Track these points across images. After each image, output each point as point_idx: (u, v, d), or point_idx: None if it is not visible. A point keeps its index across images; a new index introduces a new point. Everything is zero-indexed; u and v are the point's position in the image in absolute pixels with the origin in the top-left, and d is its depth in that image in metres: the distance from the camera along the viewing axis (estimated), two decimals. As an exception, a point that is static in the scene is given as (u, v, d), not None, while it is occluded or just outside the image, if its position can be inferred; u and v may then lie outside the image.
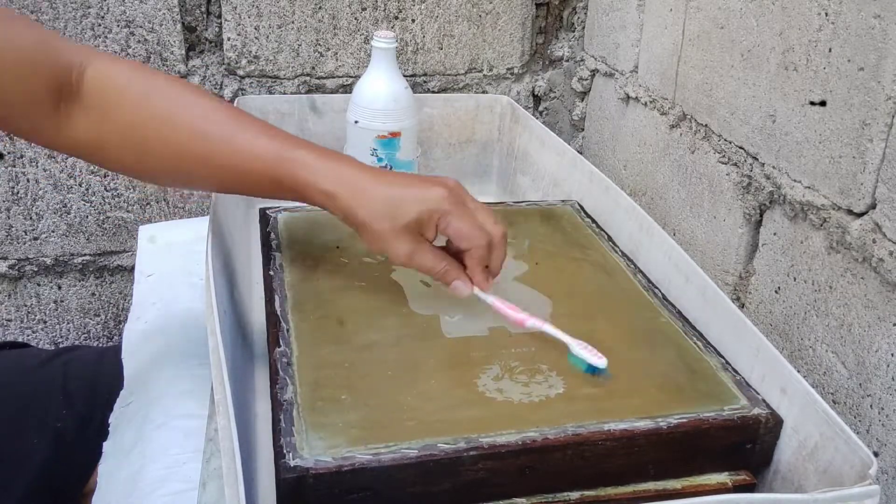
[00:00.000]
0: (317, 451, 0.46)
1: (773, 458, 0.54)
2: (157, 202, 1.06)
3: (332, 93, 1.06)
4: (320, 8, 1.01)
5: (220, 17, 1.00)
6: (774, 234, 0.72)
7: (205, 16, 1.00)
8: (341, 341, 0.57)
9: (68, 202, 1.02)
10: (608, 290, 0.67)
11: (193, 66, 1.01)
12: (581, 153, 1.06)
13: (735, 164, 0.77)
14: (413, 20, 1.05)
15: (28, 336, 1.09)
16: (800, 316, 0.69)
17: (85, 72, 0.56)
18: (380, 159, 0.90)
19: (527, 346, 0.58)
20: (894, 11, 0.56)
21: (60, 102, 0.56)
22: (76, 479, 0.70)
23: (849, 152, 0.61)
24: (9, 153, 0.98)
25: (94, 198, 1.03)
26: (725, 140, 0.79)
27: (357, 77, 0.99)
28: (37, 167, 0.99)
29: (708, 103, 0.81)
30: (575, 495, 0.50)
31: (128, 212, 1.05)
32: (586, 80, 1.13)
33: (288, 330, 0.58)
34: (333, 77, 1.06)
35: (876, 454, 0.56)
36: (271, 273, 0.65)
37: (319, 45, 1.03)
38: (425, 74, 1.09)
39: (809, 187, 0.66)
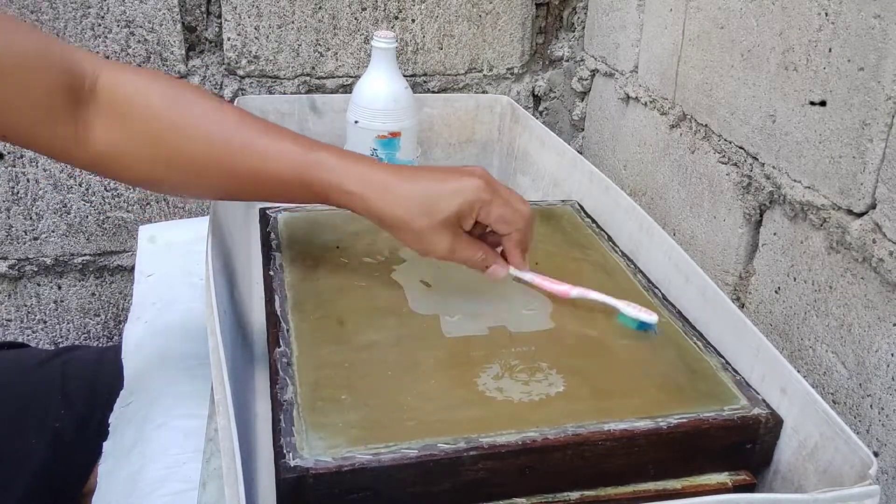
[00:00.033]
0: (317, 451, 0.46)
1: (773, 458, 0.54)
2: (157, 202, 1.06)
3: (332, 93, 1.06)
4: (320, 8, 1.01)
5: (220, 17, 1.00)
6: (774, 234, 0.72)
7: (205, 16, 1.00)
8: (341, 341, 0.57)
9: (68, 202, 1.02)
10: (608, 290, 0.67)
11: (193, 66, 1.01)
12: (581, 153, 1.06)
13: (735, 164, 0.77)
14: (413, 20, 1.05)
15: (28, 336, 1.09)
16: (800, 316, 0.69)
17: (98, 80, 0.55)
18: (380, 159, 0.90)
19: (527, 344, 0.58)
20: (894, 11, 0.56)
21: (76, 111, 0.54)
22: (76, 480, 0.70)
23: (849, 152, 0.61)
24: (9, 153, 0.98)
25: (94, 198, 1.03)
26: (725, 140, 0.79)
27: (357, 77, 0.99)
28: (37, 167, 0.99)
29: (708, 103, 0.81)
30: (575, 495, 0.50)
31: (128, 212, 1.05)
32: (586, 80, 1.13)
33: (288, 330, 0.58)
34: (333, 77, 1.06)
35: (876, 454, 0.56)
36: (271, 273, 0.65)
37: (319, 45, 1.03)
38: (425, 74, 1.09)
39: (809, 187, 0.66)
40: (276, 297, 0.62)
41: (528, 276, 0.61)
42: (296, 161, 0.57)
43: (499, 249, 0.61)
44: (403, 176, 0.57)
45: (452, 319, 0.61)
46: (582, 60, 1.14)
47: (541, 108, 1.18)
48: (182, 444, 0.60)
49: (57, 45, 0.55)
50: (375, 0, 1.03)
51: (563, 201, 0.84)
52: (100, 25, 0.96)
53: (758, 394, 0.55)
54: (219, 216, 0.68)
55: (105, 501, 0.58)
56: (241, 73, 1.03)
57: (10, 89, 0.51)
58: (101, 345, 1.12)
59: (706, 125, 0.82)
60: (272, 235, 0.71)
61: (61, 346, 1.11)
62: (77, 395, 0.71)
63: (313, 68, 1.04)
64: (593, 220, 0.79)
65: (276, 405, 0.50)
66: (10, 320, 1.08)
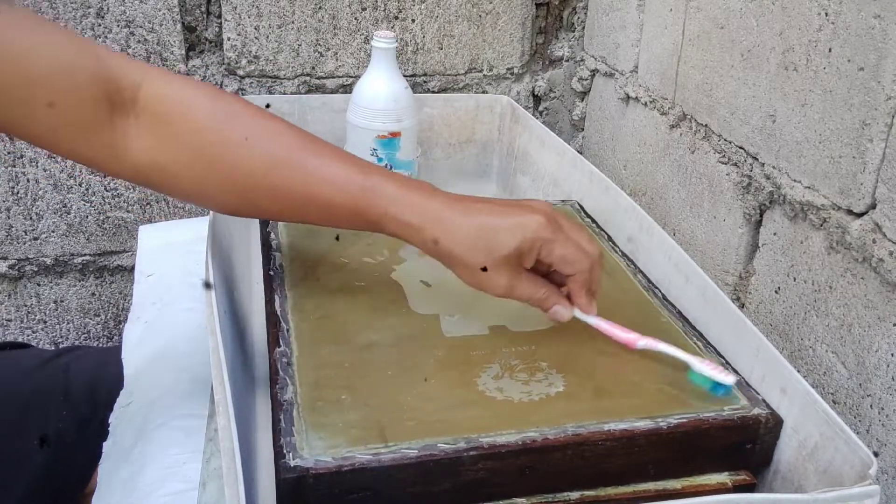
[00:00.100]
0: (317, 451, 0.46)
1: (773, 458, 0.54)
2: (157, 202, 1.06)
3: (332, 93, 1.06)
4: (320, 8, 1.01)
5: (220, 17, 1.00)
6: (774, 234, 0.72)
7: (205, 16, 1.00)
8: (341, 341, 0.57)
9: (68, 202, 1.02)
10: (608, 291, 0.67)
11: (193, 66, 1.01)
12: (581, 153, 1.06)
13: (735, 164, 0.77)
14: (413, 20, 1.05)
15: (28, 336, 1.09)
16: (800, 316, 0.69)
17: (140, 88, 0.53)
18: (380, 159, 0.90)
19: (527, 344, 0.58)
20: (894, 11, 0.56)
21: (114, 121, 0.52)
22: (76, 480, 0.70)
23: (849, 152, 0.61)
24: (9, 153, 0.98)
25: (94, 198, 1.03)
26: (725, 140, 0.79)
27: (357, 77, 0.99)
28: (37, 167, 0.99)
29: (708, 103, 0.81)
30: (575, 495, 0.50)
31: (128, 212, 1.05)
32: (586, 80, 1.13)
33: (288, 330, 0.58)
34: (333, 77, 1.06)
35: (876, 454, 0.56)
36: (271, 273, 0.65)
37: (319, 45, 1.03)
38: (425, 74, 1.09)
39: (809, 187, 0.66)
40: (276, 297, 0.61)
41: (594, 321, 0.57)
42: (350, 186, 0.54)
43: (564, 289, 0.57)
44: (465, 208, 0.54)
45: (452, 319, 0.61)
46: (582, 60, 1.14)
47: (541, 108, 1.18)
48: (182, 444, 0.60)
49: (95, 51, 0.52)
50: (375, 0, 1.03)
51: (563, 201, 0.84)
52: (100, 25, 0.96)
53: (758, 394, 0.55)
54: (219, 216, 0.68)
55: (105, 501, 0.58)
56: (241, 73, 1.03)
57: (44, 97, 0.49)
58: (101, 345, 1.13)
59: (706, 125, 0.82)
60: (272, 235, 0.71)
61: (61, 346, 1.11)
62: (79, 396, 0.71)
63: (313, 68, 1.04)
64: (593, 220, 0.79)
65: (276, 405, 0.50)
66: (10, 320, 1.08)
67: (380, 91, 0.88)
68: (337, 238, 0.69)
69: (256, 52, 1.02)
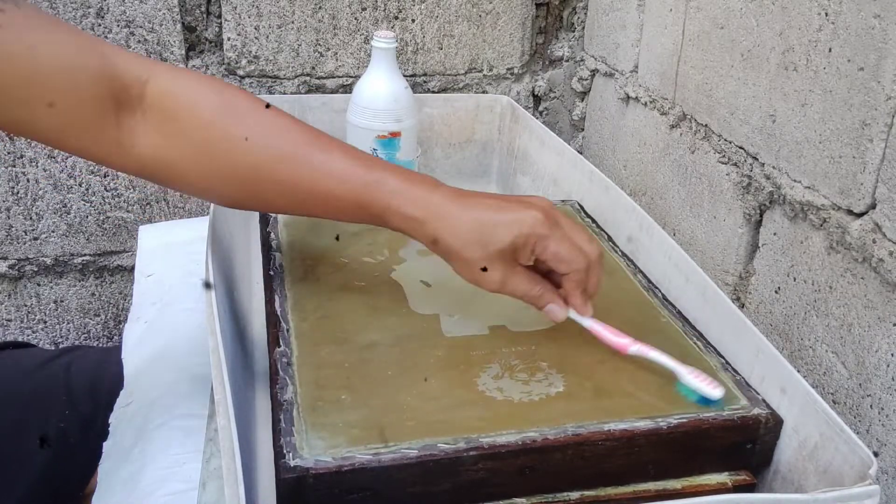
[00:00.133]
0: (317, 451, 0.46)
1: (773, 458, 0.54)
2: (158, 202, 1.06)
3: (332, 93, 1.06)
4: (320, 8, 1.01)
5: (220, 17, 1.00)
6: (774, 234, 0.72)
7: (205, 16, 1.00)
8: (341, 341, 0.57)
9: (68, 202, 1.02)
10: (608, 290, 0.67)
11: (193, 66, 1.01)
12: (581, 153, 1.06)
13: (735, 164, 0.77)
14: (413, 20, 1.05)
15: (28, 336, 1.09)
16: (800, 316, 0.69)
17: (147, 85, 0.54)
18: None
19: (527, 344, 0.58)
20: (894, 11, 0.56)
21: (120, 118, 0.53)
22: (77, 480, 0.70)
23: (849, 152, 0.61)
24: (9, 153, 0.98)
25: (94, 198, 1.03)
26: (725, 140, 0.79)
27: (357, 77, 0.99)
28: (37, 167, 0.99)
29: (708, 103, 0.81)
30: (575, 495, 0.50)
31: (128, 212, 1.05)
32: (586, 80, 1.13)
33: (288, 330, 0.58)
34: (333, 77, 1.06)
35: (876, 454, 0.56)
36: (271, 273, 0.65)
37: (319, 45, 1.03)
38: (425, 74, 1.09)
39: (809, 187, 0.66)
40: (276, 297, 0.62)
41: (588, 323, 0.56)
42: (354, 180, 0.54)
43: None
44: (464, 202, 0.54)
45: (452, 319, 0.61)
46: (582, 60, 1.14)
47: (541, 108, 1.18)
48: (182, 444, 0.60)
49: (100, 49, 0.53)
50: (375, 0, 1.03)
51: (563, 201, 0.84)
52: (100, 25, 0.96)
53: (758, 394, 0.55)
54: (219, 216, 0.68)
55: (105, 501, 0.58)
56: (241, 73, 1.03)
57: (44, 97, 0.49)
58: (101, 345, 1.13)
59: (706, 125, 0.82)
60: (272, 235, 0.71)
61: (61, 346, 1.11)
62: (81, 396, 0.71)
63: (313, 68, 1.04)
64: (593, 220, 0.79)
65: (276, 405, 0.50)
66: (10, 320, 1.08)
67: (380, 91, 0.88)
68: (337, 238, 0.69)
69: (256, 52, 1.02)
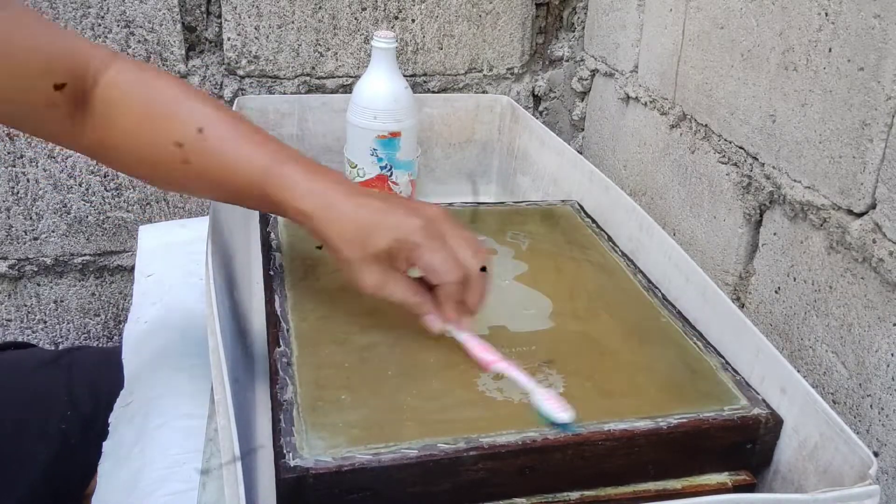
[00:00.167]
0: (317, 451, 0.46)
1: (773, 458, 0.54)
2: (157, 202, 1.06)
3: (332, 93, 1.06)
4: (320, 8, 1.01)
5: (220, 17, 1.00)
6: (774, 234, 0.72)
7: (205, 16, 1.00)
8: (341, 341, 0.57)
9: (68, 202, 1.02)
10: (608, 290, 0.67)
11: (193, 66, 1.01)
12: (581, 153, 1.06)
13: (735, 164, 0.77)
14: (413, 20, 1.05)
15: (28, 336, 1.09)
16: (800, 316, 0.69)
17: (98, 80, 0.56)
18: (380, 159, 0.90)
19: (527, 344, 0.58)
20: (894, 11, 0.56)
21: (75, 109, 0.55)
22: (78, 481, 0.70)
23: (849, 152, 0.61)
24: (9, 153, 0.98)
25: (94, 198, 1.03)
26: (725, 140, 0.79)
27: (357, 77, 0.99)
28: (37, 167, 0.99)
29: (708, 103, 0.81)
30: (575, 495, 0.50)
31: (128, 212, 1.05)
32: (586, 80, 1.13)
33: (288, 330, 0.58)
34: (333, 77, 1.06)
35: (876, 454, 0.56)
36: (271, 273, 0.65)
37: (319, 45, 1.03)
38: (425, 74, 1.09)
39: (809, 187, 0.66)
40: (276, 297, 0.61)
41: (462, 337, 0.56)
42: (260, 172, 0.55)
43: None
44: (356, 201, 0.54)
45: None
46: (582, 60, 1.14)
47: (541, 108, 1.18)
48: (182, 444, 0.60)
49: (64, 41, 0.55)
50: (375, 0, 1.03)
51: (563, 201, 0.84)
52: (100, 25, 0.96)
53: (758, 394, 0.55)
54: (219, 216, 0.68)
55: (105, 501, 0.58)
56: (241, 73, 1.03)
57: (10, 85, 0.52)
58: (101, 345, 1.13)
59: (706, 125, 0.82)
60: (272, 235, 0.71)
61: (61, 346, 1.11)
62: (82, 397, 0.71)
63: (313, 68, 1.04)
64: (593, 220, 0.79)
65: (276, 405, 0.50)
66: (10, 320, 1.08)
67: (380, 91, 0.88)
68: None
69: (256, 52, 1.02)
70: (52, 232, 1.03)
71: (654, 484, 0.52)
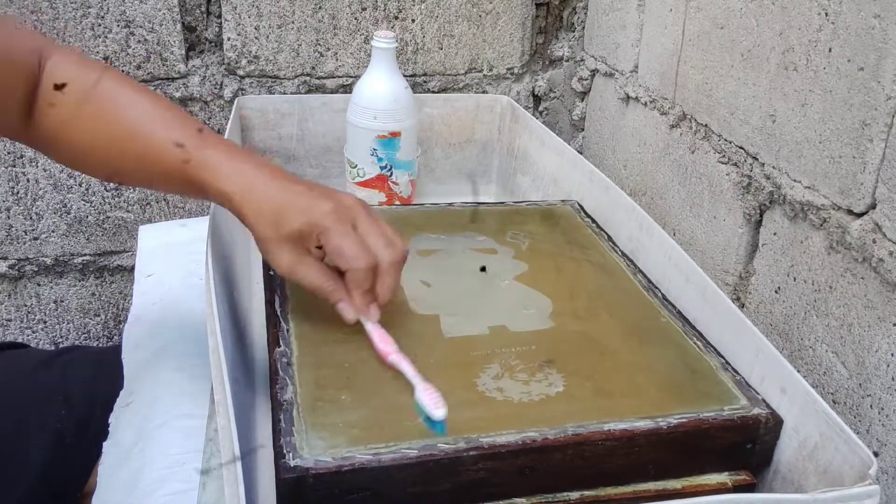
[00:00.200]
0: (317, 451, 0.46)
1: (773, 458, 0.54)
2: (157, 202, 1.06)
3: (332, 93, 1.06)
4: (320, 8, 1.01)
5: (220, 17, 1.00)
6: (774, 234, 0.72)
7: (205, 16, 1.00)
8: (341, 341, 0.57)
9: (68, 202, 1.02)
10: (608, 290, 0.67)
11: (193, 66, 1.01)
12: (581, 153, 1.06)
13: (735, 164, 0.77)
14: (413, 20, 1.05)
15: (28, 336, 1.09)
16: (800, 316, 0.69)
17: (42, 73, 0.57)
18: (380, 159, 0.90)
19: (527, 344, 0.58)
20: (894, 11, 0.56)
21: (30, 108, 0.57)
22: (76, 480, 0.70)
23: (849, 152, 0.61)
24: (9, 153, 0.98)
25: (94, 198, 1.03)
26: (725, 140, 0.79)
27: (357, 77, 0.99)
28: (37, 167, 0.99)
29: (708, 103, 0.81)
30: (575, 495, 0.50)
31: (128, 212, 1.05)
32: (586, 80, 1.13)
33: (288, 330, 0.58)
34: (333, 77, 1.06)
35: (876, 454, 0.56)
36: (271, 273, 0.65)
37: (319, 45, 1.03)
38: (425, 74, 1.09)
39: (809, 187, 0.66)
40: (276, 297, 0.62)
41: (368, 326, 0.56)
42: (182, 157, 0.55)
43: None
44: (274, 183, 0.55)
45: (452, 319, 0.61)
46: (582, 60, 1.14)
47: (541, 108, 1.18)
48: (182, 444, 0.60)
49: (22, 44, 0.57)
50: (375, 0, 1.03)
51: (563, 201, 0.84)
52: (100, 25, 0.96)
53: (758, 394, 0.55)
54: (219, 216, 0.68)
55: (105, 501, 0.58)
56: (241, 72, 1.03)
57: None
58: (101, 345, 1.12)
59: (706, 125, 0.82)
60: (272, 235, 0.70)
61: (61, 346, 1.11)
62: (78, 397, 0.71)
63: (313, 68, 1.04)
64: (593, 220, 0.79)
65: (276, 405, 0.50)
66: (10, 320, 1.08)
67: (380, 91, 0.88)
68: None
69: (256, 52, 1.02)
70: (52, 232, 1.03)
71: (654, 484, 0.52)
